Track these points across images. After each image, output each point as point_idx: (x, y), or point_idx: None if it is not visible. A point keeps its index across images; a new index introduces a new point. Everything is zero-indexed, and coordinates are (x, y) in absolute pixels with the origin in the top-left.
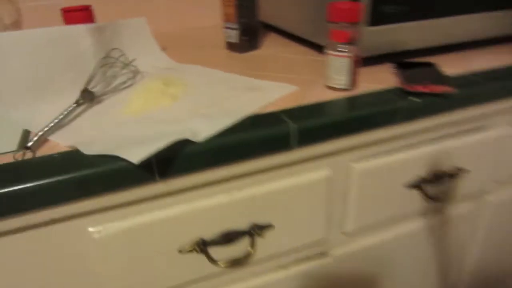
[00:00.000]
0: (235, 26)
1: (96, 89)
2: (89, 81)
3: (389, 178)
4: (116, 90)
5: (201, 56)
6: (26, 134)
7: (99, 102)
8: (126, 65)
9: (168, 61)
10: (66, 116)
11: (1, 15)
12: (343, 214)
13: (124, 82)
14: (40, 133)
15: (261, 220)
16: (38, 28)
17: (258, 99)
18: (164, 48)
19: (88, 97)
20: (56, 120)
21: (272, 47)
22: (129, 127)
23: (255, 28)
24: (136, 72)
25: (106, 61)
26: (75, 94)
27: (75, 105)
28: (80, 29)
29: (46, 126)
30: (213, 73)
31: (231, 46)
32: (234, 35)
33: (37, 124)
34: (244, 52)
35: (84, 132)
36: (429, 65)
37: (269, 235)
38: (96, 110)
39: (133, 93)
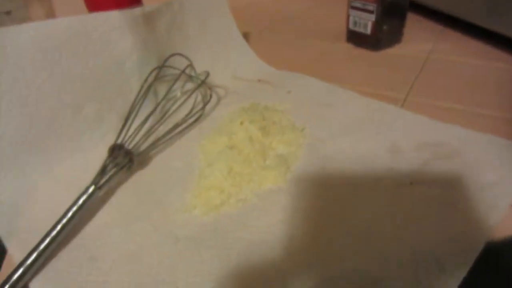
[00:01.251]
0: (371, 6)
1: (136, 140)
2: (125, 123)
3: None
4: (172, 136)
5: (307, 53)
6: None
7: (141, 166)
8: (195, 80)
9: (260, 66)
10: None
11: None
12: None
13: (188, 116)
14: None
15: None
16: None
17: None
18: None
19: (121, 160)
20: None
21: (423, 41)
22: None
23: (401, 9)
24: (207, 94)
25: (160, 77)
26: (98, 150)
27: (92, 188)
28: (113, 18)
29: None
30: (352, 99)
31: (359, 39)
32: (365, 21)
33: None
34: (381, 48)
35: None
36: None
37: None
38: (131, 193)
39: (205, 147)
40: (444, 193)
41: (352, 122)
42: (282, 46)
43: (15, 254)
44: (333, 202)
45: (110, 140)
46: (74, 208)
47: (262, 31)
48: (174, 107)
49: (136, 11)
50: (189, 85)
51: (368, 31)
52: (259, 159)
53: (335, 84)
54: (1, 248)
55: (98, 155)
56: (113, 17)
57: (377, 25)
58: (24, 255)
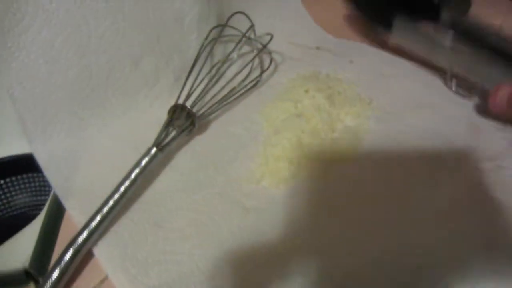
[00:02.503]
0: None
1: (196, 102)
2: (185, 83)
3: None
4: (231, 100)
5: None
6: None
7: (200, 130)
8: (254, 43)
9: (318, 32)
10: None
11: None
12: None
13: (247, 81)
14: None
15: None
16: None
17: None
18: None
19: (183, 122)
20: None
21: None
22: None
23: None
24: (263, 59)
25: (220, 37)
26: (153, 109)
27: (154, 150)
28: None
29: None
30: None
31: None
32: None
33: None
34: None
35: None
36: None
37: None
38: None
39: (267, 114)
40: None
41: (421, 95)
42: (341, 12)
43: (74, 214)
44: (410, 180)
45: (164, 101)
46: (137, 170)
47: None
48: (231, 70)
49: None
50: (246, 48)
51: None
52: (327, 130)
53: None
54: (58, 206)
55: (153, 115)
56: None
57: None
58: (84, 216)
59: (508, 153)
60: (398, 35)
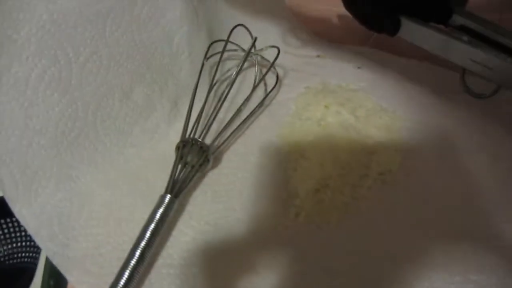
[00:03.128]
0: None
1: (205, 133)
2: (189, 112)
3: None
4: (241, 125)
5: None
6: None
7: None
8: (254, 58)
9: (312, 39)
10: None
11: None
12: None
13: (254, 102)
14: None
15: None
16: None
17: None
18: None
19: (196, 160)
20: None
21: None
22: None
23: None
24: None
25: (213, 54)
26: (153, 144)
27: (168, 197)
28: None
29: None
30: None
31: None
32: None
33: None
34: None
35: None
36: None
37: None
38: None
39: (286, 137)
40: None
41: (443, 99)
42: (335, 18)
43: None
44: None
45: (163, 132)
46: (152, 225)
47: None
48: (233, 90)
49: None
50: (246, 63)
51: None
52: (360, 150)
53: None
54: (58, 279)
55: (154, 151)
56: None
57: None
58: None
59: None
60: (406, 36)
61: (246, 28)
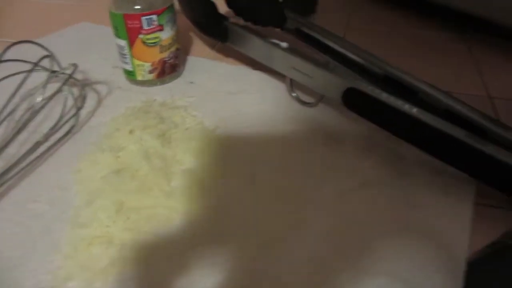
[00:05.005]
0: None
1: None
2: None
3: None
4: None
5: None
6: None
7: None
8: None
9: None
10: None
11: None
12: None
13: (54, 129)
14: None
15: None
16: None
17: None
18: None
19: None
20: None
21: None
22: None
23: None
24: (81, 94)
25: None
26: None
27: None
28: None
29: None
30: (268, 82)
31: None
32: None
33: None
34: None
35: None
36: None
37: None
38: None
39: (82, 174)
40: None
41: (273, 110)
42: None
43: None
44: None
45: None
46: None
47: None
48: (34, 118)
49: None
50: (56, 86)
51: None
52: (161, 182)
53: (246, 66)
54: None
55: None
56: None
57: None
58: None
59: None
60: (234, 44)
61: (36, 43)
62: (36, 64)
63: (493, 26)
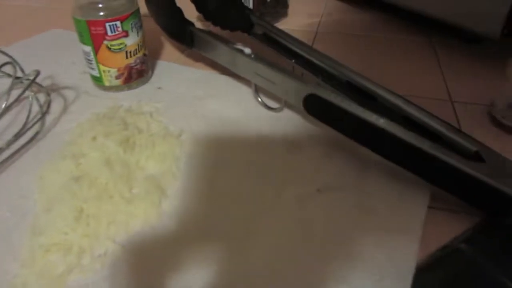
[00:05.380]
0: None
1: None
2: None
3: None
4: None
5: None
6: None
7: None
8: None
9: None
10: None
11: None
12: None
13: (18, 135)
14: None
15: None
16: None
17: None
18: None
19: None
20: None
21: (310, 16)
22: None
23: None
24: (46, 100)
25: None
26: None
27: None
28: None
29: None
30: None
31: None
32: None
33: None
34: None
35: None
36: None
37: None
38: None
39: (44, 181)
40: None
41: (238, 115)
42: None
43: None
44: (229, 238)
45: None
46: None
47: None
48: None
49: None
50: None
51: (250, 4)
52: (122, 189)
53: (215, 71)
54: None
55: None
56: None
57: None
58: None
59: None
60: (200, 49)
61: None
62: None
63: (456, 30)
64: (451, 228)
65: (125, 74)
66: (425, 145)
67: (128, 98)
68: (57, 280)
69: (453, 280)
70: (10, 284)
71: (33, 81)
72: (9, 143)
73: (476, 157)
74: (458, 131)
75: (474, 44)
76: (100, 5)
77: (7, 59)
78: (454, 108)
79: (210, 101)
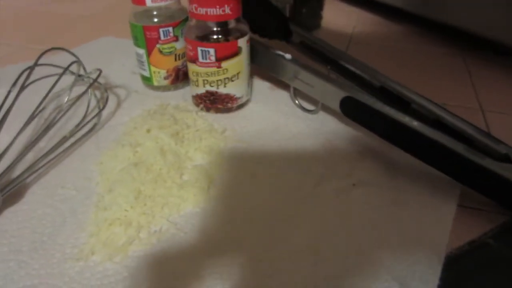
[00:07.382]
0: None
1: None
2: None
3: None
4: (59, 153)
5: None
6: None
7: (15, 199)
8: (87, 81)
9: None
10: None
11: None
12: None
13: (79, 126)
14: None
15: None
16: None
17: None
18: None
19: None
20: None
21: (344, 26)
22: None
23: None
24: (103, 97)
25: (35, 80)
26: None
27: None
28: None
29: None
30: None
31: None
32: (283, 4)
33: None
34: None
35: None
36: None
37: None
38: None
39: (104, 166)
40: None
41: (277, 116)
42: None
43: None
44: (271, 220)
45: None
46: None
47: None
48: (61, 117)
49: None
50: (81, 89)
51: (286, 14)
52: (174, 175)
53: (254, 76)
54: None
55: None
56: None
57: (295, 7)
58: None
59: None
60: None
61: (67, 50)
62: (66, 69)
63: (488, 42)
64: (480, 225)
65: (173, 75)
66: (458, 147)
67: (174, 97)
68: (120, 249)
69: (480, 273)
70: (80, 250)
71: (96, 79)
72: (72, 133)
73: (505, 159)
74: (488, 134)
75: (506, 56)
76: (155, 12)
77: (73, 59)
78: (485, 117)
79: (250, 103)
